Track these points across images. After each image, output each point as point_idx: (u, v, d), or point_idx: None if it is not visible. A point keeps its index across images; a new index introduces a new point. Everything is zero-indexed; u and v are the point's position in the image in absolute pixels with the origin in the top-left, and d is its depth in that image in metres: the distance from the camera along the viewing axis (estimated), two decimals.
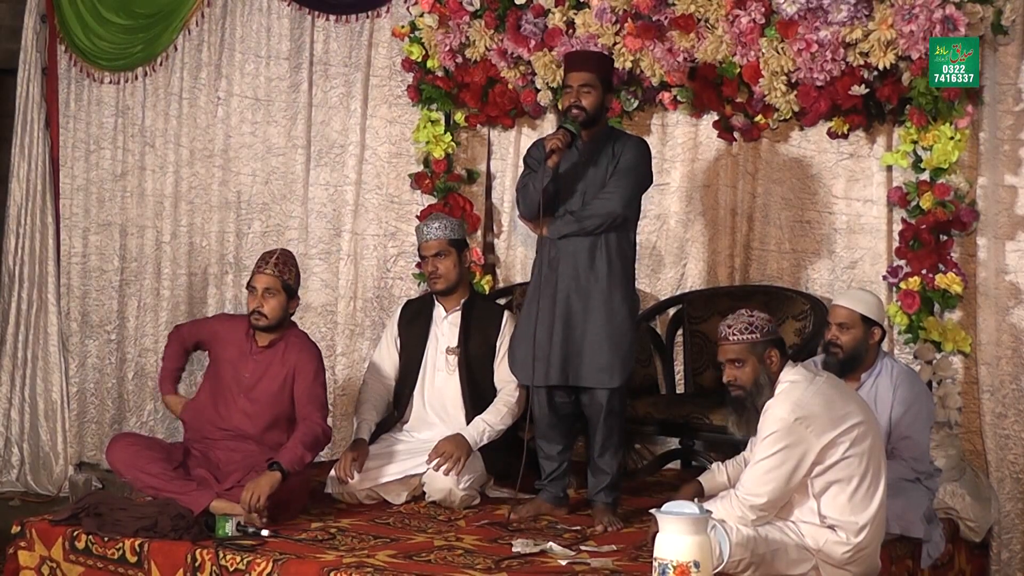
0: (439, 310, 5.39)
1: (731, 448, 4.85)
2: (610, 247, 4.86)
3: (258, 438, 4.98)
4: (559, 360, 4.86)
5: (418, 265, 5.68)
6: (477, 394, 5.27)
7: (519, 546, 4.42)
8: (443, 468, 5.01)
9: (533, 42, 5.77)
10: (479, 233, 6.28)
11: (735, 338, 4.13)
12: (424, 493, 5.15)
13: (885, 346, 5.38)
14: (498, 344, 5.31)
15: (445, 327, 5.36)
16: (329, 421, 5.10)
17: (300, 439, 4.85)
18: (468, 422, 5.20)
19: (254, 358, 5.05)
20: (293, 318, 5.18)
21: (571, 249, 4.89)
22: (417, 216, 6.22)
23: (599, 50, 5.47)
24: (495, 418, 5.16)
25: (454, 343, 5.33)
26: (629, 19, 5.55)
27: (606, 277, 4.85)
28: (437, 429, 5.22)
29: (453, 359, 5.32)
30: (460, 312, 5.35)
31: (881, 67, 5.13)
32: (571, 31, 5.71)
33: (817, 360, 4.84)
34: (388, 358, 5.45)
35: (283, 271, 5.03)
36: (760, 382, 4.11)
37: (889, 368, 4.74)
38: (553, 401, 4.95)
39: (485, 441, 5.13)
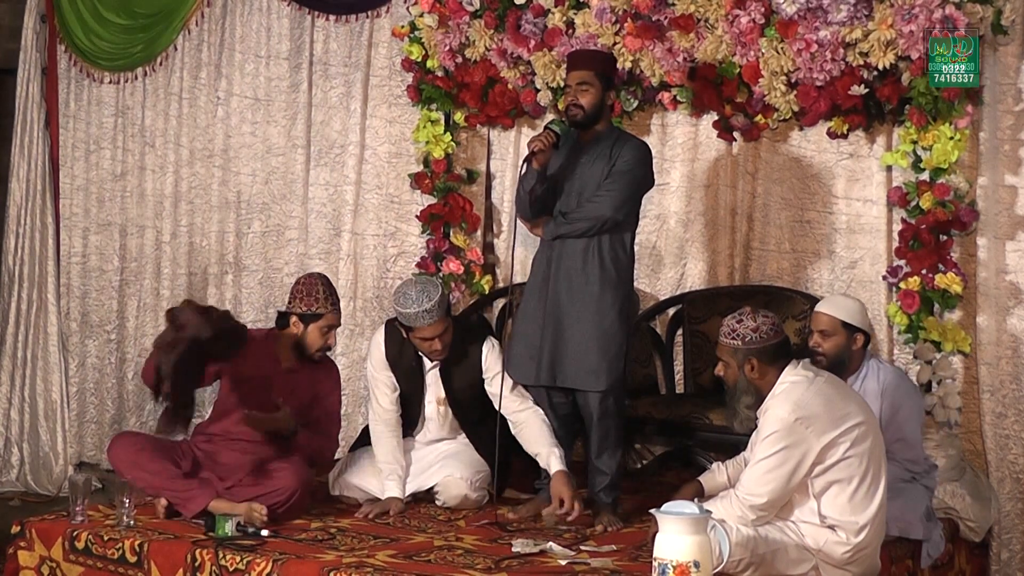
0: (425, 362, 5.14)
1: (731, 448, 4.85)
2: (603, 250, 4.85)
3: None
4: (548, 361, 4.87)
5: (407, 333, 5.03)
6: (475, 432, 5.15)
7: (519, 546, 4.42)
8: (570, 517, 4.77)
9: (533, 42, 5.77)
10: (479, 233, 6.28)
11: (721, 339, 4.17)
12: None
13: (885, 347, 5.42)
14: (484, 374, 5.07)
15: (431, 377, 5.16)
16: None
17: (310, 450, 4.94)
18: (475, 444, 5.13)
19: (280, 379, 5.00)
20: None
21: (565, 250, 4.89)
22: (417, 216, 6.22)
23: (600, 49, 5.47)
24: (555, 439, 4.94)
25: (441, 394, 5.16)
26: (629, 19, 5.55)
27: (598, 280, 4.84)
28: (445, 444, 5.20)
29: (444, 410, 5.18)
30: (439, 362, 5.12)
31: (881, 67, 5.13)
32: (571, 31, 5.71)
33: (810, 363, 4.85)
34: (386, 397, 5.13)
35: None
36: (739, 386, 4.13)
37: (875, 370, 4.74)
38: (551, 401, 4.96)
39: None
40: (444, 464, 5.12)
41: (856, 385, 4.69)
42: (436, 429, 5.22)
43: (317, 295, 5.00)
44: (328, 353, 5.13)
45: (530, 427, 4.94)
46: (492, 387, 5.05)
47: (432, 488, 5.11)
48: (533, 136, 4.92)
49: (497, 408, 4.99)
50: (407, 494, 5.06)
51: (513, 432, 4.98)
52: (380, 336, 5.16)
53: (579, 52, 5.27)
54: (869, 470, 4.03)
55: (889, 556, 4.36)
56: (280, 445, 4.93)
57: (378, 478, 5.09)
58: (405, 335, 5.03)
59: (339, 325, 5.12)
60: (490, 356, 5.08)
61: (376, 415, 5.15)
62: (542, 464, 4.91)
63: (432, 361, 5.10)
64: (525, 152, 5.06)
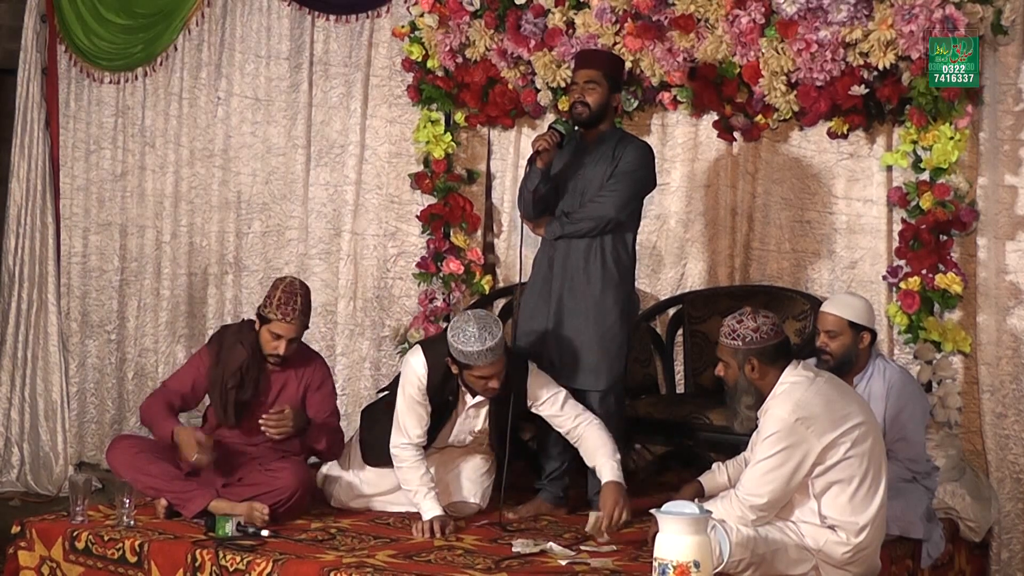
0: (465, 397, 4.88)
1: (731, 448, 4.85)
2: (605, 250, 4.87)
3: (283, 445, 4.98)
4: (549, 360, 4.87)
5: (459, 369, 4.73)
6: (499, 445, 4.98)
7: (519, 546, 4.42)
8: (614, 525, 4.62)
9: (533, 42, 5.77)
10: (479, 233, 6.28)
11: (721, 339, 4.16)
12: None
13: (885, 347, 5.41)
14: (532, 402, 4.82)
15: (472, 411, 4.92)
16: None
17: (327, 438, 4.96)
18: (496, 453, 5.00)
19: (267, 379, 4.97)
20: None
21: (566, 250, 4.90)
22: (417, 216, 6.23)
23: (609, 50, 5.47)
24: (613, 448, 4.78)
25: (479, 427, 4.94)
26: (629, 19, 5.55)
27: (599, 279, 4.86)
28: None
29: (473, 439, 4.98)
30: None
31: (881, 67, 5.13)
32: (571, 31, 5.71)
33: (811, 363, 4.84)
34: (418, 427, 4.81)
35: (305, 318, 4.89)
36: (740, 386, 4.12)
37: (881, 370, 4.72)
38: None
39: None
40: (453, 482, 5.00)
41: (862, 384, 4.68)
42: (451, 446, 5.07)
43: (272, 299, 4.84)
44: (279, 360, 4.89)
45: (588, 441, 4.75)
46: (542, 411, 4.83)
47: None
48: (537, 135, 4.93)
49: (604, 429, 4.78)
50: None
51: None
52: (421, 365, 4.77)
53: (588, 51, 5.29)
54: (869, 470, 4.03)
55: (889, 556, 4.36)
56: (291, 445, 4.94)
57: (375, 496, 5.02)
58: (456, 371, 4.71)
59: (291, 337, 4.83)
60: (534, 384, 4.81)
61: (404, 442, 4.80)
62: (597, 474, 4.73)
63: (481, 397, 4.81)
64: (525, 152, 5.08)
